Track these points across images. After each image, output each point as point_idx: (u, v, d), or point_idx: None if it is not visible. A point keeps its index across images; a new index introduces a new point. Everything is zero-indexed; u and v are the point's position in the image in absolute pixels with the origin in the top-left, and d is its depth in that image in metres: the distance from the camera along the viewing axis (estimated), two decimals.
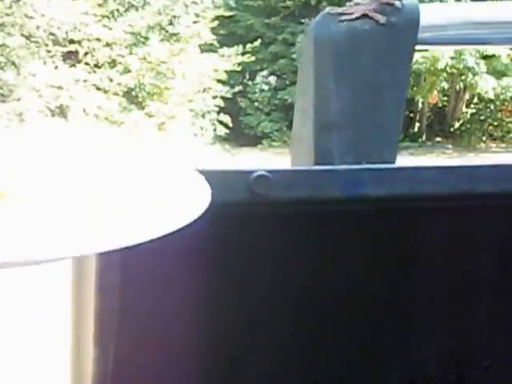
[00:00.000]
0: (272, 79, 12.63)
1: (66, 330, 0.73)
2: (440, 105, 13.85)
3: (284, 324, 0.76)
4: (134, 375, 0.70)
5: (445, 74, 12.59)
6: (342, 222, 0.75)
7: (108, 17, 10.60)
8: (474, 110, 13.90)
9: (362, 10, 0.84)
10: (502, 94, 13.04)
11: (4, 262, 0.35)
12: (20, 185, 0.46)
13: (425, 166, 0.81)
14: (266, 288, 0.75)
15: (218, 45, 11.37)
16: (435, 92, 13.25)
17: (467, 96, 13.59)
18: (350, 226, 0.76)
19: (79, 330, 0.72)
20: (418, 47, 0.89)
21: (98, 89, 10.18)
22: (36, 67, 9.69)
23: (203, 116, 11.10)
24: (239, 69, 11.36)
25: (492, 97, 12.77)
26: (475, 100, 13.75)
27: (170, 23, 11.09)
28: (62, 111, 9.66)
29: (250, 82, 12.61)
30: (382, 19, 0.84)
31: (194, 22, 11.25)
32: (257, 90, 12.59)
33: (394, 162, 0.86)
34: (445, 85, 13.30)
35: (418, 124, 13.47)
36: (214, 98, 11.16)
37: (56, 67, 9.93)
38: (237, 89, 11.76)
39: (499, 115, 13.77)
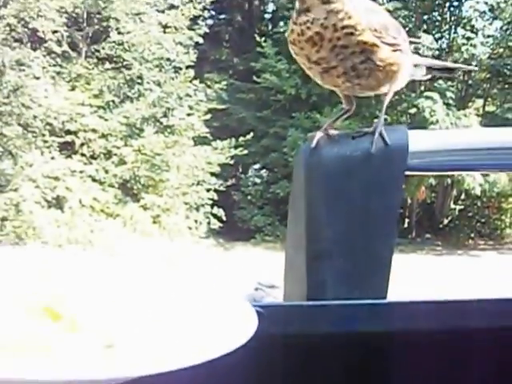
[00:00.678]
0: (264, 173, 12.91)
1: None
2: (428, 201, 14.27)
3: None
4: None
5: None
6: (331, 356, 0.77)
7: (104, 108, 10.94)
8: (462, 207, 14.39)
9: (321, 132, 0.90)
10: (488, 190, 13.52)
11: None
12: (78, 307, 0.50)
13: (415, 300, 0.82)
14: None
15: (211, 137, 11.66)
16: (423, 188, 13.70)
17: (455, 192, 14.06)
18: (338, 360, 0.78)
19: None
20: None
21: (94, 180, 10.36)
22: (33, 157, 9.76)
23: (197, 209, 11.30)
24: (232, 162, 11.59)
25: (479, 193, 13.21)
26: (463, 196, 14.25)
27: (165, 115, 11.47)
28: (58, 202, 9.74)
29: (242, 175, 12.87)
30: (335, 135, 0.90)
31: (188, 115, 11.64)
32: (249, 184, 12.89)
33: (387, 290, 0.87)
34: (432, 181, 13.77)
35: (407, 220, 13.81)
36: (208, 190, 11.41)
37: (52, 158, 10.10)
38: (230, 182, 11.96)
39: (486, 212, 14.21)
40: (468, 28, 14.08)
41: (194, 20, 12.16)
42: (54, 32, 10.70)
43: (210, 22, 14.37)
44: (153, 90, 11.48)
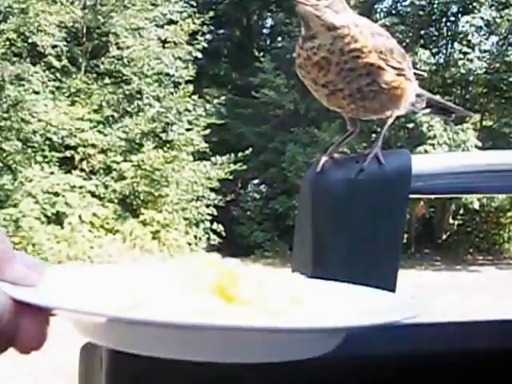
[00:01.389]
0: (263, 188, 12.90)
1: None
2: (427, 216, 14.28)
3: None
4: None
5: None
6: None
7: (103, 123, 10.94)
8: (461, 222, 14.40)
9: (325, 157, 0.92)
10: (487, 205, 13.54)
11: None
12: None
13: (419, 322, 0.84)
14: None
15: (210, 152, 11.66)
16: (422, 203, 13.71)
17: (453, 207, 14.09)
18: None
19: None
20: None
21: (94, 195, 10.35)
22: (32, 172, 9.74)
23: (197, 225, 11.27)
24: (231, 177, 11.59)
25: (477, 207, 13.23)
26: (461, 211, 14.26)
27: (164, 130, 11.46)
28: (57, 218, 9.70)
29: (241, 191, 12.86)
30: (338, 159, 0.93)
31: (187, 130, 11.63)
32: (249, 199, 12.87)
33: None
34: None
35: (406, 235, 13.80)
36: (208, 206, 11.39)
37: (52, 173, 10.06)
38: (229, 197, 11.95)
39: (485, 227, 14.22)
40: (464, 43, 14.15)
41: (193, 35, 12.19)
42: (54, 47, 10.71)
43: (208, 37, 14.41)
44: (152, 104, 11.49)
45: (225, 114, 13.04)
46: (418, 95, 1.03)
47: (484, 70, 14.03)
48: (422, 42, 14.80)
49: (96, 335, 0.48)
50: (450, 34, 15.11)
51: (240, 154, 11.61)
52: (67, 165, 10.61)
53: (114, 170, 10.86)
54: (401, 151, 0.93)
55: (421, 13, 14.83)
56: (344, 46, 0.88)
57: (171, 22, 12.16)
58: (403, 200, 0.89)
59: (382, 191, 0.88)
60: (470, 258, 13.81)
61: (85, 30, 11.44)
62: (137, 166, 10.84)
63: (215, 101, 12.35)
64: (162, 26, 12.02)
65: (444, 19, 15.11)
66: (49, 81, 10.74)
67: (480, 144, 12.72)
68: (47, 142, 10.31)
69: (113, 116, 11.21)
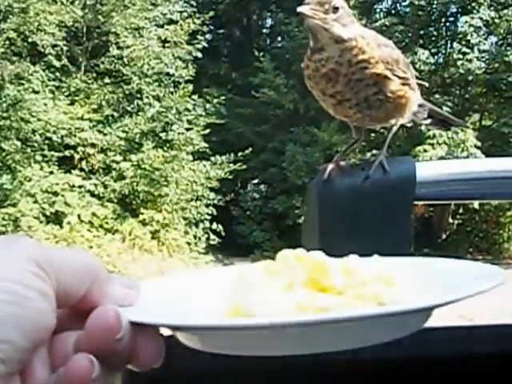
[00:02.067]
0: (263, 188, 12.85)
1: None
2: (427, 215, 14.23)
3: None
4: None
5: None
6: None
7: (103, 122, 10.88)
8: (461, 221, 14.34)
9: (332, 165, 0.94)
10: (486, 204, 13.50)
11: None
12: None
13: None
14: None
15: (210, 152, 11.59)
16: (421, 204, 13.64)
17: (453, 206, 14.03)
18: None
19: None
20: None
21: (93, 195, 10.26)
22: (31, 172, 9.68)
23: (196, 224, 11.20)
24: (231, 177, 11.53)
25: (477, 207, 13.20)
26: (461, 210, 14.22)
27: (164, 130, 11.38)
28: (57, 218, 9.60)
29: (241, 191, 12.80)
30: (344, 167, 0.94)
31: (187, 129, 11.56)
32: (248, 199, 12.81)
33: None
34: None
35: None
36: (207, 206, 11.32)
37: (51, 172, 9.99)
38: (229, 197, 11.87)
39: (484, 226, 14.18)
40: (464, 43, 14.13)
41: (193, 35, 12.13)
42: (54, 46, 10.65)
43: (208, 36, 14.34)
44: (152, 104, 11.42)
45: (224, 114, 12.96)
46: (420, 105, 1.06)
47: (483, 70, 14.00)
48: (421, 41, 14.82)
49: (206, 343, 0.49)
50: (449, 34, 15.12)
51: (240, 154, 11.53)
52: (67, 164, 10.53)
53: (114, 169, 10.78)
54: (405, 158, 0.94)
55: (420, 13, 14.86)
56: (352, 58, 0.90)
57: (171, 21, 12.11)
58: (408, 206, 0.91)
59: (386, 198, 0.90)
60: (470, 257, 13.73)
61: (85, 30, 11.37)
62: (136, 165, 10.77)
63: (215, 100, 12.25)
64: (162, 26, 11.97)
65: (443, 19, 15.12)
66: (48, 80, 10.68)
67: (479, 144, 12.68)
68: (47, 142, 10.24)
69: (112, 115, 11.14)
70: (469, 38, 14.04)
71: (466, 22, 14.21)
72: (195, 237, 11.23)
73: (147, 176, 10.72)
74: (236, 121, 13.49)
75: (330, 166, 0.93)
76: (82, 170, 10.61)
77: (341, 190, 0.91)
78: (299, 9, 0.91)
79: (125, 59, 11.29)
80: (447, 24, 15.22)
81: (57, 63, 10.74)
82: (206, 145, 11.73)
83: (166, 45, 11.80)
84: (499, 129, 13.84)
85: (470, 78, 14.00)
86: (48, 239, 9.29)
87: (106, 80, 11.31)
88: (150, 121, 11.28)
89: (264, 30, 17.27)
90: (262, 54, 13.97)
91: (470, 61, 13.82)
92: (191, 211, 11.24)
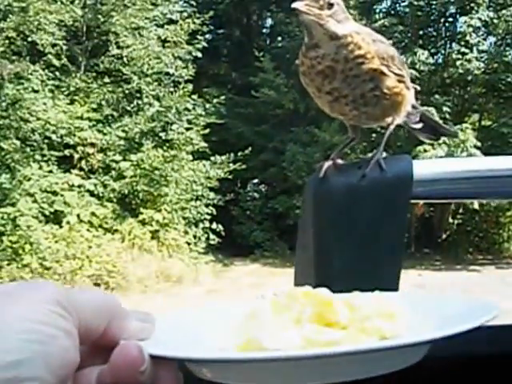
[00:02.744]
0: (263, 187, 12.79)
1: None
2: (427, 215, 14.19)
3: None
4: None
5: None
6: None
7: (103, 122, 10.83)
8: (461, 221, 14.31)
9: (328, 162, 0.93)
10: (486, 204, 13.45)
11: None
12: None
13: None
14: None
15: (209, 152, 11.53)
16: (421, 202, 13.57)
17: (453, 207, 13.98)
18: None
19: None
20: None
21: (93, 195, 10.21)
22: (31, 171, 9.61)
23: (196, 224, 11.14)
24: (231, 177, 11.46)
25: (477, 207, 13.15)
26: (461, 211, 14.19)
27: (164, 129, 11.32)
28: (56, 217, 9.54)
29: (241, 190, 12.73)
30: (339, 164, 0.93)
31: (187, 129, 11.50)
32: (248, 199, 12.75)
33: None
34: None
35: (406, 235, 13.66)
36: (207, 205, 11.25)
37: (51, 171, 9.92)
38: (228, 197, 11.79)
39: (484, 226, 14.14)
40: (463, 43, 14.11)
41: (193, 35, 12.07)
42: (54, 45, 10.56)
43: (208, 36, 14.29)
44: (152, 104, 11.36)
45: (224, 114, 12.90)
46: (413, 106, 1.04)
47: (482, 70, 13.98)
48: (420, 42, 14.80)
49: (221, 375, 0.51)
50: (448, 34, 15.12)
51: (239, 154, 11.46)
52: (66, 164, 10.45)
53: (113, 169, 10.70)
54: (402, 157, 0.93)
55: (419, 13, 14.86)
56: (348, 54, 0.89)
57: (171, 21, 12.06)
58: (404, 205, 0.90)
59: (383, 196, 0.89)
60: (470, 257, 13.72)
61: (85, 29, 11.30)
62: (136, 165, 10.69)
63: (215, 100, 12.18)
64: (162, 26, 11.92)
65: (442, 20, 15.12)
66: (48, 79, 10.59)
67: (479, 144, 12.62)
68: (46, 141, 10.15)
69: (112, 115, 11.07)
70: (468, 38, 14.02)
71: (465, 22, 14.19)
72: (195, 237, 11.15)
73: (147, 176, 10.64)
74: (236, 120, 13.44)
75: (327, 164, 0.92)
76: (81, 169, 10.54)
77: (337, 188, 0.90)
78: (294, 4, 0.89)
79: (125, 59, 11.22)
80: (446, 24, 15.22)
81: (56, 62, 10.65)
82: (206, 144, 11.67)
83: (166, 44, 11.74)
84: (499, 129, 13.81)
85: (470, 78, 13.98)
86: (47, 239, 9.22)
87: (106, 79, 11.23)
88: (150, 120, 11.22)
89: (264, 30, 17.25)
90: (262, 53, 13.93)
91: (469, 61, 13.79)
92: (191, 211, 11.17)
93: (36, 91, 10.19)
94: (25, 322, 0.45)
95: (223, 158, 11.48)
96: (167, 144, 11.32)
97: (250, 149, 11.78)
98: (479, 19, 14.01)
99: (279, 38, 16.05)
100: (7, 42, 10.24)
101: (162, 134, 11.36)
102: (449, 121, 13.34)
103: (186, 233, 11.03)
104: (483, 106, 15.06)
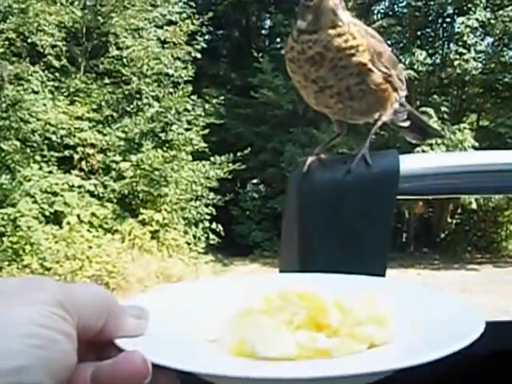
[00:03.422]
0: (262, 187, 12.78)
1: None
2: (426, 215, 14.20)
3: None
4: None
5: None
6: None
7: (103, 122, 10.82)
8: (459, 221, 14.33)
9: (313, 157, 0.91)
10: (484, 204, 13.46)
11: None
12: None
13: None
14: None
15: (209, 152, 11.51)
16: (420, 203, 13.58)
17: (451, 206, 13.99)
18: None
19: None
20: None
21: (93, 195, 10.17)
22: (31, 172, 9.58)
23: (196, 224, 11.11)
24: (230, 177, 11.44)
25: (475, 207, 13.14)
26: (459, 210, 14.21)
27: (163, 130, 11.29)
28: (56, 218, 9.51)
29: (241, 190, 12.71)
30: (323, 159, 0.91)
31: (186, 129, 11.46)
32: (247, 199, 12.73)
33: None
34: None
35: (405, 234, 13.68)
36: (207, 206, 11.22)
37: (51, 172, 9.89)
38: (228, 197, 11.77)
39: (483, 226, 14.14)
40: (460, 43, 14.10)
41: (193, 35, 12.04)
42: (53, 47, 10.54)
43: (208, 37, 14.29)
44: (151, 104, 11.33)
45: (224, 114, 12.87)
46: (401, 105, 1.02)
47: (480, 70, 13.97)
48: (418, 42, 14.82)
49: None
50: (445, 34, 15.14)
51: (239, 154, 11.41)
52: (66, 164, 10.42)
53: (113, 169, 10.68)
54: (389, 152, 0.90)
55: (417, 14, 14.88)
56: (341, 43, 0.87)
57: (170, 22, 12.02)
58: (391, 201, 0.88)
59: (369, 192, 0.87)
60: (469, 256, 13.72)
61: (84, 30, 11.27)
62: (136, 165, 10.66)
63: (214, 101, 12.14)
64: (161, 27, 11.88)
65: (440, 20, 15.14)
66: (48, 80, 10.57)
67: (477, 144, 12.62)
68: (46, 142, 10.13)
69: (112, 116, 11.04)
70: (465, 38, 14.01)
71: (463, 22, 14.18)
72: (195, 237, 11.12)
73: (147, 176, 10.62)
74: (235, 121, 13.42)
75: (310, 159, 0.90)
76: (81, 170, 10.51)
77: (321, 183, 0.88)
78: None
79: (124, 60, 11.19)
80: (444, 25, 15.24)
81: (56, 63, 10.62)
82: (206, 145, 11.66)
83: (166, 45, 11.70)
84: (496, 129, 13.80)
85: (467, 78, 13.98)
86: (47, 239, 9.19)
87: (106, 80, 11.20)
88: (150, 121, 11.19)
89: (263, 31, 17.23)
90: (260, 54, 13.89)
91: (466, 61, 13.78)
92: (191, 211, 11.15)
93: (36, 92, 10.16)
94: (27, 326, 0.44)
95: (223, 158, 11.44)
96: (167, 144, 11.30)
97: (249, 149, 11.74)
98: (476, 20, 14.00)
99: (278, 39, 15.98)
100: (7, 43, 10.22)
101: (162, 135, 11.33)
102: (447, 121, 13.35)
103: (186, 233, 11.01)
104: (481, 105, 15.06)
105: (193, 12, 12.25)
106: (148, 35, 11.48)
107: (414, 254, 13.34)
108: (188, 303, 0.61)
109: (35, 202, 9.45)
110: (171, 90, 11.63)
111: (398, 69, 0.97)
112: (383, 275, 0.84)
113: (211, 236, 11.30)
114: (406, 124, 1.06)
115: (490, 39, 14.68)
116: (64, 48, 10.70)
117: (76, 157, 10.49)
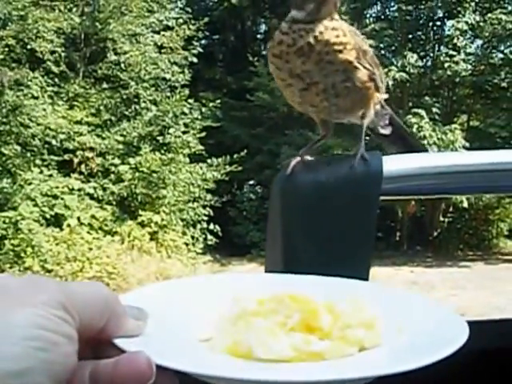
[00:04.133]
0: (258, 189, 12.78)
1: None
2: (418, 214, 14.22)
3: None
4: None
5: None
6: None
7: (101, 126, 10.80)
8: (451, 219, 14.36)
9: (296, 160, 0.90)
10: (475, 203, 13.48)
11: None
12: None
13: None
14: None
15: (206, 154, 11.50)
16: (413, 202, 13.59)
17: (443, 206, 14.01)
18: None
19: None
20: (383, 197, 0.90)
21: (92, 198, 10.17)
22: (31, 176, 9.57)
23: (194, 225, 11.12)
24: (227, 178, 11.43)
25: (466, 206, 13.16)
26: (451, 209, 14.24)
27: (161, 133, 11.28)
28: (56, 220, 9.48)
29: (238, 192, 12.71)
30: (309, 160, 0.91)
31: (184, 133, 11.46)
32: (244, 200, 12.71)
33: None
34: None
35: (398, 233, 13.69)
36: (204, 207, 11.23)
37: (51, 176, 9.86)
38: (225, 198, 11.77)
39: (474, 224, 14.18)
40: (450, 46, 14.15)
41: (189, 40, 12.04)
42: (52, 53, 10.52)
43: (204, 42, 14.27)
44: (149, 108, 11.31)
45: (220, 117, 12.86)
46: (382, 106, 1.01)
47: (470, 72, 14.02)
48: (410, 45, 14.83)
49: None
50: (436, 37, 15.19)
51: (235, 156, 11.39)
52: (66, 168, 10.40)
53: (112, 172, 10.66)
54: (372, 153, 0.89)
55: (408, 18, 14.93)
56: (332, 37, 0.86)
57: (167, 28, 12.01)
58: (374, 202, 0.86)
59: (352, 193, 0.86)
60: (461, 253, 13.75)
61: (83, 36, 11.25)
62: (134, 168, 10.66)
63: (211, 104, 12.11)
64: (158, 32, 11.87)
65: (430, 24, 15.18)
66: (47, 86, 10.54)
67: (467, 144, 12.65)
68: (46, 146, 10.11)
69: (111, 120, 11.02)
70: (455, 41, 14.05)
71: (453, 25, 14.24)
72: (193, 237, 11.11)
73: (145, 178, 10.61)
74: (231, 124, 13.40)
75: (294, 161, 0.89)
76: (81, 173, 10.48)
77: (305, 185, 0.86)
78: None
79: (122, 65, 11.18)
80: (434, 28, 15.27)
81: (55, 69, 10.59)
82: (203, 147, 11.62)
83: (163, 50, 11.70)
84: (486, 129, 13.84)
85: (458, 79, 14.02)
86: (48, 242, 9.17)
87: (104, 85, 11.18)
88: (148, 124, 11.17)
89: (258, 36, 17.22)
90: (256, 58, 13.90)
91: (456, 63, 13.82)
92: (189, 212, 11.13)
93: (36, 97, 10.14)
94: (29, 328, 0.43)
95: (219, 160, 11.42)
96: (165, 147, 11.28)
97: (245, 151, 11.69)
98: (466, 23, 14.04)
99: None
100: (7, 49, 10.20)
101: (160, 138, 11.31)
102: (438, 121, 13.37)
103: (184, 234, 11.00)
104: (471, 106, 15.11)
105: (189, 17, 12.24)
106: (145, 41, 11.48)
107: (407, 253, 13.36)
108: (179, 301, 0.61)
109: (36, 205, 9.44)
110: (168, 94, 11.62)
111: (379, 70, 0.97)
112: (367, 275, 0.84)
113: (209, 237, 11.28)
114: (388, 131, 1.04)
115: (479, 41, 14.75)
116: (63, 54, 10.67)
117: (76, 160, 10.47)
